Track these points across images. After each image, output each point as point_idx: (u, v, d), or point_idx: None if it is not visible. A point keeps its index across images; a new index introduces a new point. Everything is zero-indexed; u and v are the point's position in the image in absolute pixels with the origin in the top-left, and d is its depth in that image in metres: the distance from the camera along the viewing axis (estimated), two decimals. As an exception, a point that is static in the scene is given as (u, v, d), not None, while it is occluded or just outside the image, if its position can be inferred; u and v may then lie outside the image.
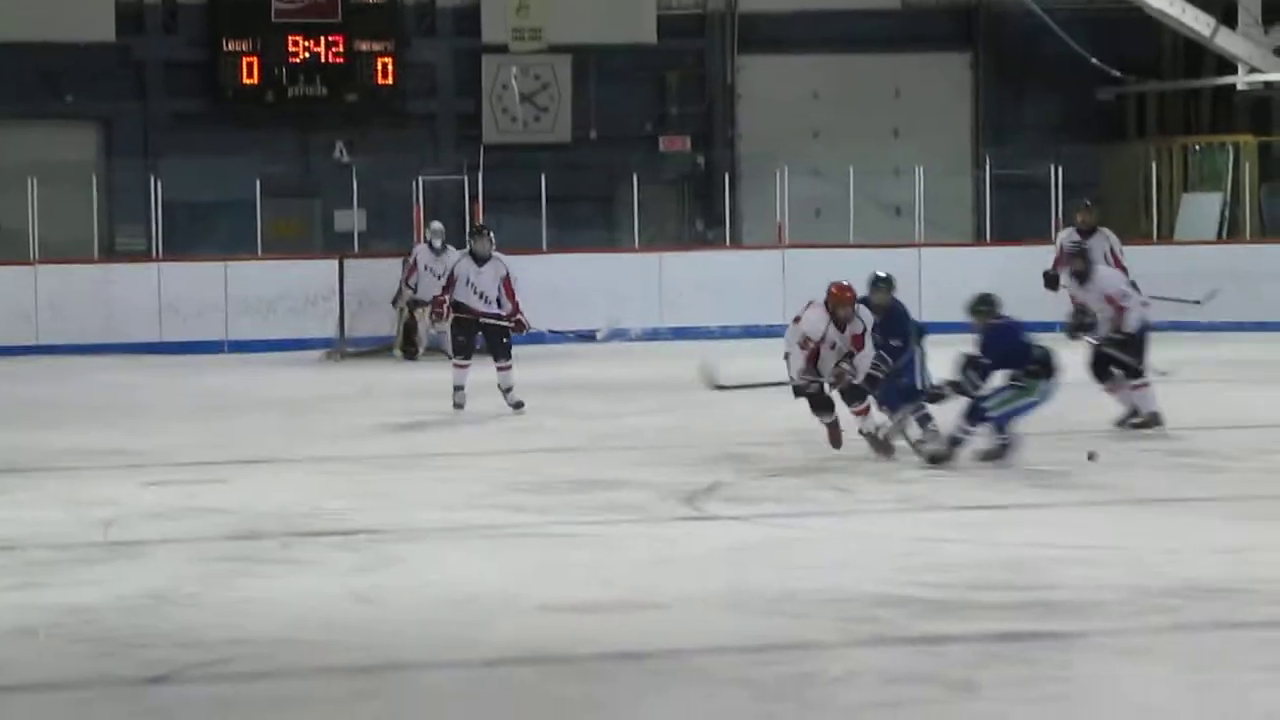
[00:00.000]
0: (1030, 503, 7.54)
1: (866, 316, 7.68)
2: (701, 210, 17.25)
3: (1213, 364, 12.75)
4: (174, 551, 6.04)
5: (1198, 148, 17.99)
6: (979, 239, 16.57)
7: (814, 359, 7.78)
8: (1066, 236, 10.95)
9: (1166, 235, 16.88)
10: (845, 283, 7.88)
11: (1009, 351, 7.80)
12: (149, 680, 4.22)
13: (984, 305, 7.94)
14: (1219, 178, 17.49)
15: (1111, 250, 10.83)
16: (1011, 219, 15.55)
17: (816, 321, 7.84)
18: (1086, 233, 10.87)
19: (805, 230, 15.87)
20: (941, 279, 13.16)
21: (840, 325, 7.68)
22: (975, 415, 7.61)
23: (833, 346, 7.84)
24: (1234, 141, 17.71)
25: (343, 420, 10.76)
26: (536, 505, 7.24)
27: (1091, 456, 6.98)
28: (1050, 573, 5.86)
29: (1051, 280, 10.45)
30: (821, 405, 7.90)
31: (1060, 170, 15.93)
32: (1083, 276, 9.45)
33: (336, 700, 4.24)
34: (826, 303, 7.71)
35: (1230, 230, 17.04)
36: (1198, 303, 11.95)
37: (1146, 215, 17.04)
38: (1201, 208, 17.37)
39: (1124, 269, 10.61)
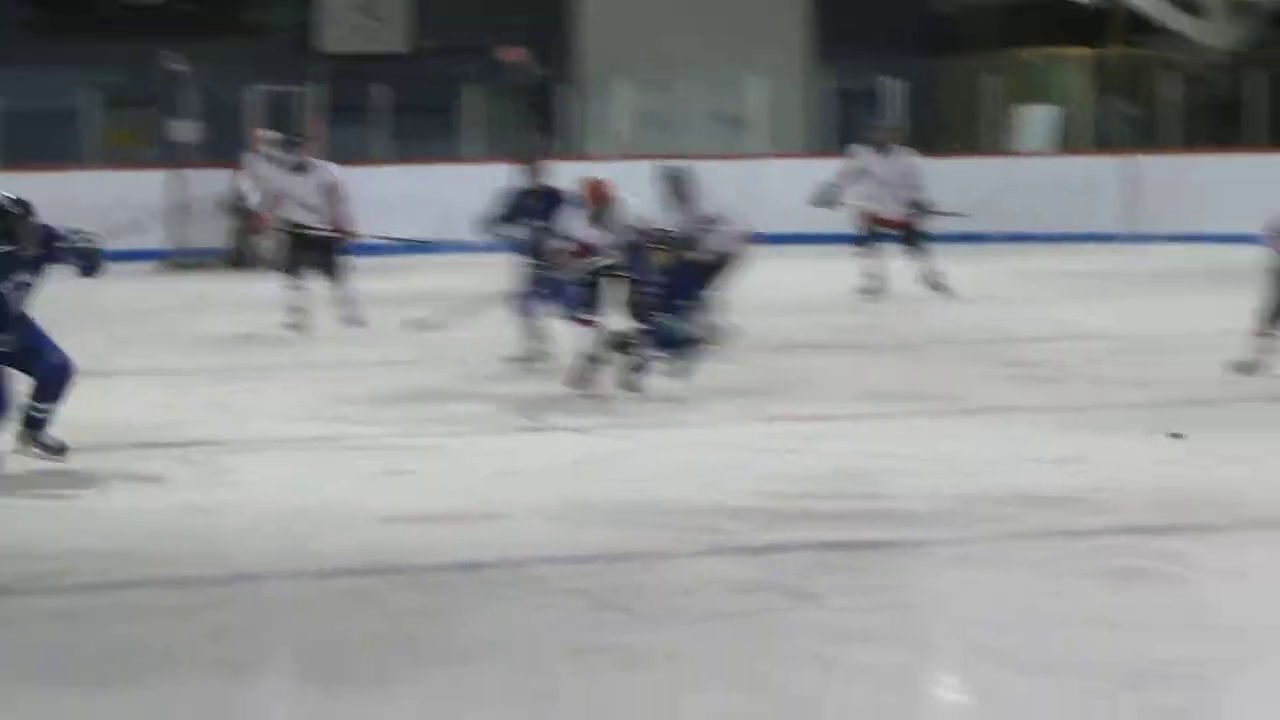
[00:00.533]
0: (864, 413, 7.68)
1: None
2: (541, 122, 17.42)
3: (1045, 276, 13.26)
4: (6, 465, 5.97)
5: (1034, 61, 18.51)
6: (816, 151, 16.75)
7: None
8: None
9: (1000, 148, 17.47)
10: (596, 179, 7.97)
11: (690, 284, 8.00)
12: (-11, 592, 4.46)
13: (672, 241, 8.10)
14: (1054, 91, 18.09)
15: (908, 170, 11.42)
16: (849, 131, 15.28)
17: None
18: (885, 151, 11.42)
19: (645, 142, 16.08)
20: (780, 191, 13.59)
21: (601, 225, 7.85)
22: (658, 340, 7.68)
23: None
24: (1070, 55, 18.37)
25: (176, 332, 10.69)
26: (374, 418, 7.28)
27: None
28: (884, 482, 6.05)
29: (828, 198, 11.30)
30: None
31: (899, 85, 16.44)
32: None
33: (179, 610, 4.34)
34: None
35: (1067, 144, 17.58)
36: (962, 215, 12.28)
37: (979, 130, 17.77)
38: (1036, 121, 17.78)
39: (919, 187, 11.38)
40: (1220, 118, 17.18)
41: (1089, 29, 18.37)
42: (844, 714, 3.56)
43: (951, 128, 17.87)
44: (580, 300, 7.97)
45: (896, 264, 11.70)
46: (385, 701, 3.56)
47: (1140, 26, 17.94)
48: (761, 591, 4.66)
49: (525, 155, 9.86)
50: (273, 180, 11.18)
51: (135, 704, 3.49)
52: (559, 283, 8.17)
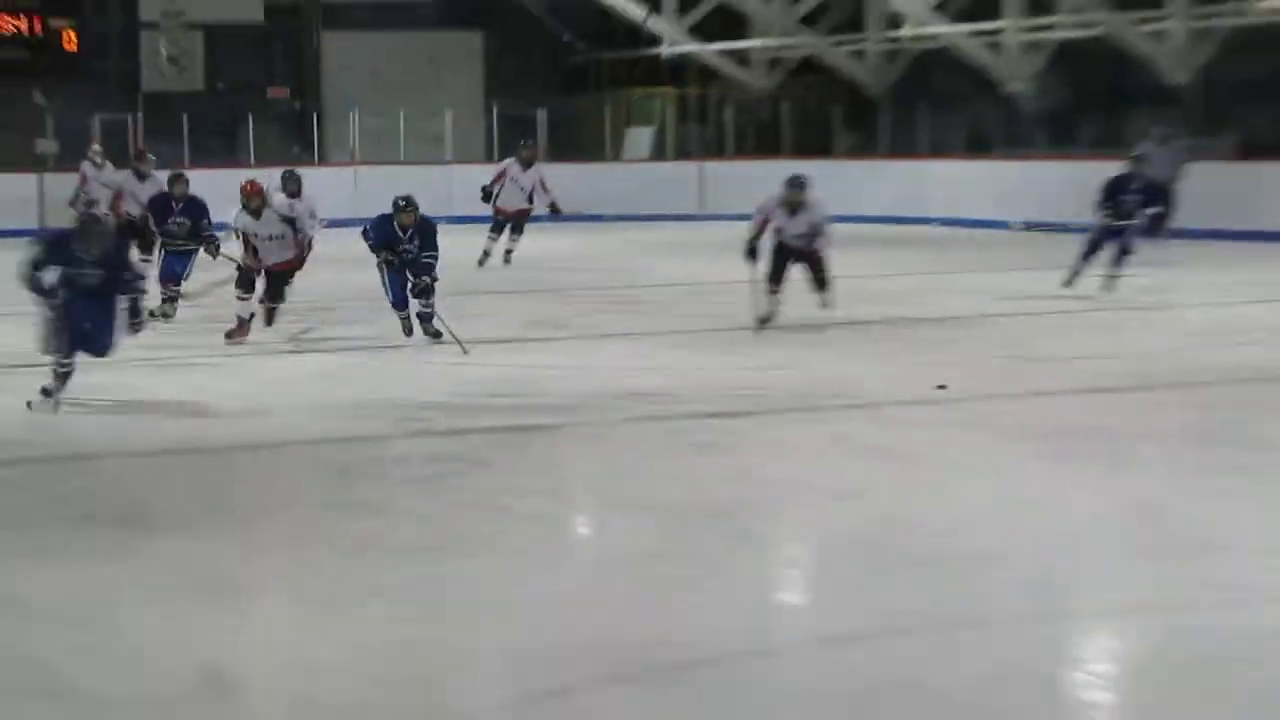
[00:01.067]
0: (527, 337, 8.58)
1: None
2: (299, 139, 20.43)
3: (644, 244, 15.20)
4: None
5: (638, 97, 22.11)
6: (490, 161, 17.21)
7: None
8: (510, 164, 12.88)
9: (616, 157, 20.92)
10: (250, 181, 8.79)
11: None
12: None
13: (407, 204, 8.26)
14: (651, 117, 21.76)
15: (541, 179, 12.72)
16: (512, 148, 16.28)
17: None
18: (526, 164, 12.71)
19: (372, 154, 19.19)
20: (468, 190, 14.36)
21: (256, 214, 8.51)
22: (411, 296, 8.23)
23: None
24: (661, 92, 21.92)
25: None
26: (177, 343, 8.13)
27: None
28: (539, 385, 6.80)
29: (487, 195, 12.72)
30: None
31: (546, 113, 19.90)
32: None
33: (31, 485, 5.09)
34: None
35: (660, 154, 21.09)
36: (584, 211, 14.38)
37: (602, 145, 21.21)
38: (640, 139, 21.36)
39: (547, 188, 12.69)
40: (762, 135, 20.57)
41: (675, 75, 21.88)
42: (512, 546, 4.17)
43: (582, 144, 21.08)
44: (172, 272, 9.08)
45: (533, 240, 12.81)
46: (194, 541, 4.11)
47: (708, 73, 21.33)
48: (454, 461, 5.28)
49: (174, 166, 11.54)
50: (113, 182, 12.03)
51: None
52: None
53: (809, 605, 4.01)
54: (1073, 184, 12.87)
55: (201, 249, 9.34)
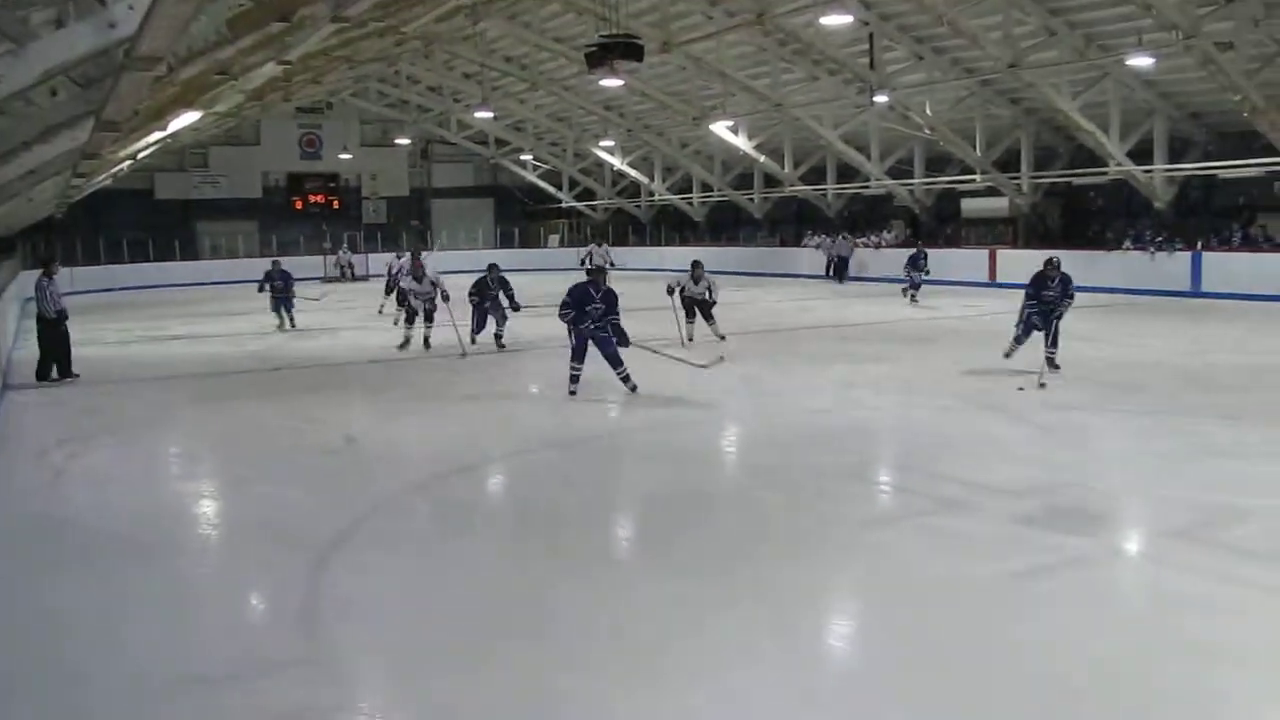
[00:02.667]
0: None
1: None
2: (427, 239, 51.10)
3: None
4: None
5: (552, 221, 54.48)
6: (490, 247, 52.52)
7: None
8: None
9: (544, 246, 54.00)
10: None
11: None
12: None
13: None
14: (559, 230, 55.38)
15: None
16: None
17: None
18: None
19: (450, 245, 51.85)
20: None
21: None
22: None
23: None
24: (562, 221, 55.57)
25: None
26: None
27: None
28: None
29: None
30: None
31: (518, 230, 53.07)
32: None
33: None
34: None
35: (562, 245, 54.73)
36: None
37: (539, 242, 54.13)
38: (554, 240, 54.10)
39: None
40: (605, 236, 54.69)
41: (568, 213, 53.40)
42: (524, 398, 13.22)
43: (529, 243, 54.10)
44: None
45: None
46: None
47: (577, 212, 54.84)
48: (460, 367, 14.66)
49: None
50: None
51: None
52: None
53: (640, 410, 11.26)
54: None
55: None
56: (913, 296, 25.16)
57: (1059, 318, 13.49)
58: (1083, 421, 10.31)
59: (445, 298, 16.52)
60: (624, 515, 8.12)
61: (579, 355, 12.62)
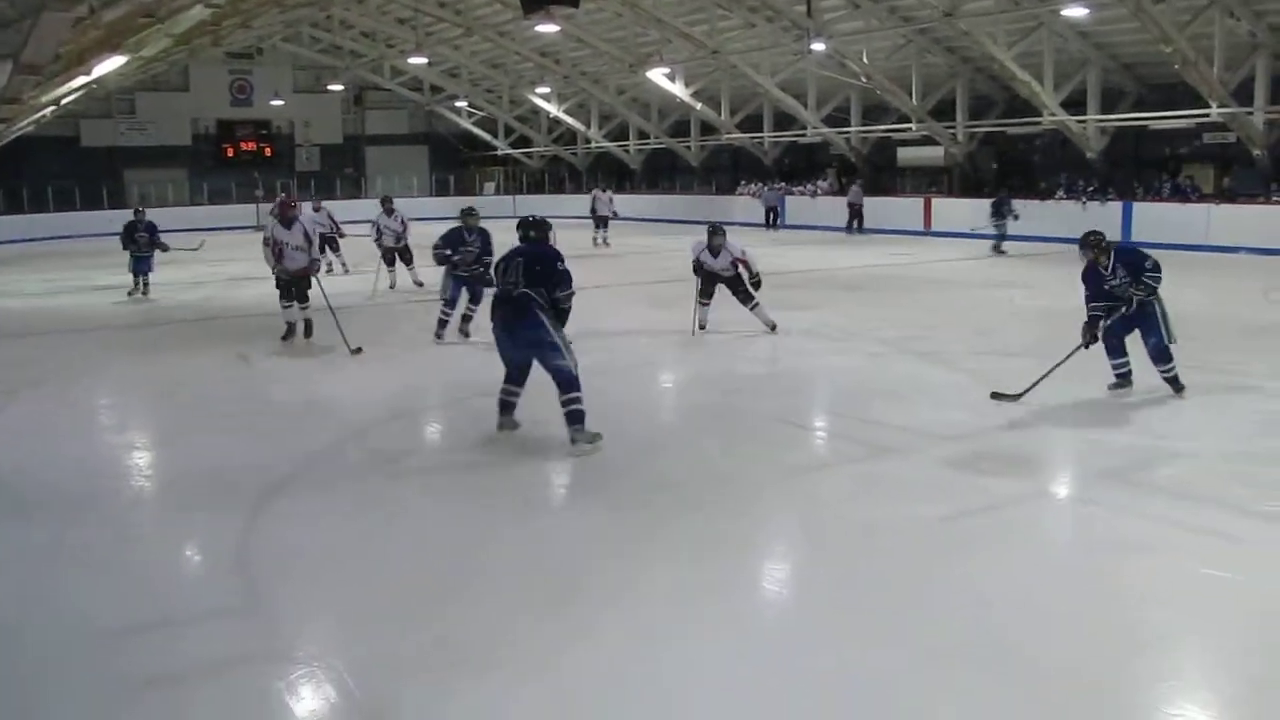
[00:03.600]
0: None
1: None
2: (355, 189, 50.99)
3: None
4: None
5: (488, 168, 54.70)
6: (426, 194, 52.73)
7: None
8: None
9: (479, 193, 52.19)
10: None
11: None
12: None
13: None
14: (495, 178, 54.51)
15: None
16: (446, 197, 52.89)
17: None
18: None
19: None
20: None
21: None
22: None
23: None
24: (498, 168, 55.11)
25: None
26: None
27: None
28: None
29: None
30: None
31: (453, 178, 53.05)
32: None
33: None
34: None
35: (497, 192, 53.61)
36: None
37: (475, 190, 53.97)
38: (490, 187, 54.67)
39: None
40: (534, 185, 54.16)
41: (505, 160, 54.64)
42: (474, 366, 11.36)
43: (466, 189, 54.19)
44: None
45: None
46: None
47: (514, 159, 54.25)
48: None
49: None
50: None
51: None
52: None
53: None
54: None
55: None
56: (998, 247, 24.23)
57: (1149, 313, 9.35)
58: (1016, 367, 10.44)
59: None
60: (558, 461, 8.13)
61: (452, 302, 13.11)
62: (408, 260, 18.84)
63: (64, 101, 25.98)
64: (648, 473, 7.55)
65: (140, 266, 19.12)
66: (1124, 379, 9.70)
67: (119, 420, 10.55)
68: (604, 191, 30.45)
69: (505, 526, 6.51)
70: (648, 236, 30.96)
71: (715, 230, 12.98)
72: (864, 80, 31.01)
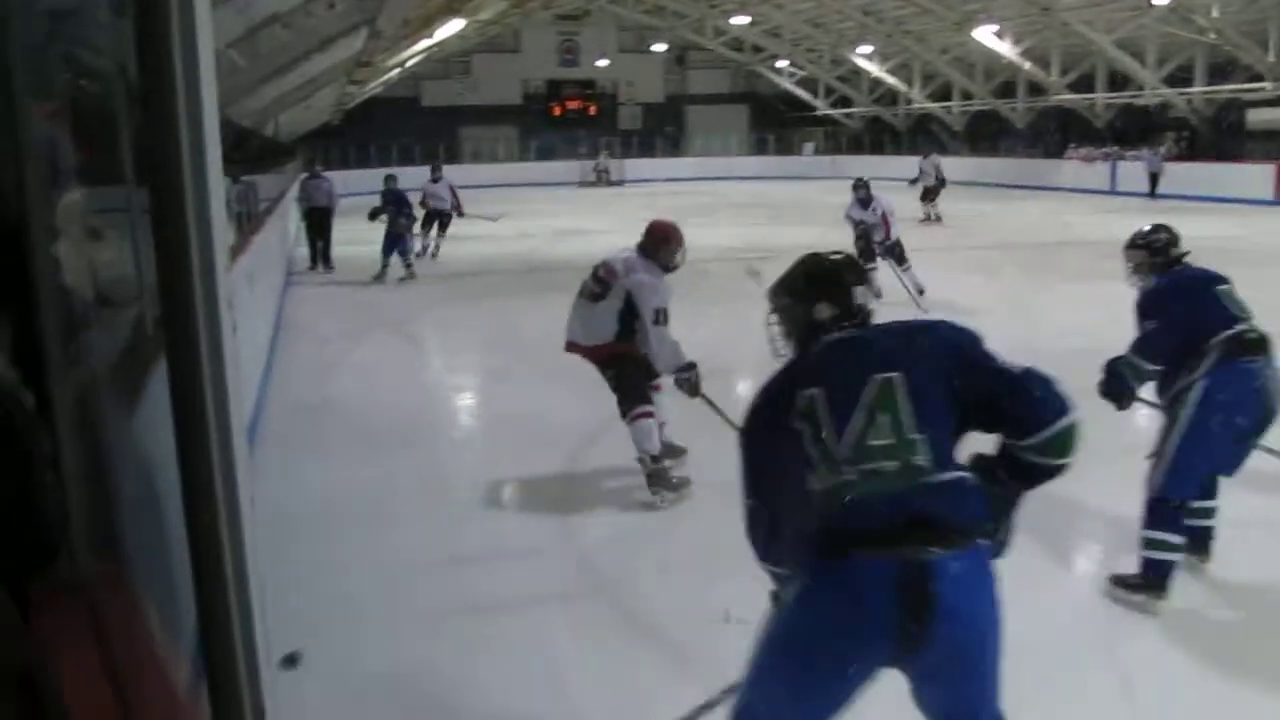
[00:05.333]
0: None
1: None
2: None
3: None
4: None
5: (809, 128, 55.15)
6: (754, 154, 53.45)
7: None
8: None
9: (799, 154, 53.88)
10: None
11: None
12: None
13: None
14: (814, 138, 53.77)
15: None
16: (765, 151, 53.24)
17: None
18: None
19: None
20: None
21: None
22: None
23: None
24: (819, 129, 55.17)
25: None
26: None
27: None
28: None
29: None
30: None
31: (773, 138, 53.23)
32: None
33: None
34: None
35: (816, 153, 54.42)
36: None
37: (794, 149, 54.45)
38: (809, 148, 54.52)
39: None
40: (855, 145, 53.72)
41: (825, 120, 51.69)
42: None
43: (788, 149, 52.69)
44: None
45: None
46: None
47: (834, 120, 54.17)
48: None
49: None
50: None
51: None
52: None
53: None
54: None
55: None
56: None
57: None
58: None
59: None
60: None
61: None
62: (443, 228, 18.77)
63: (408, 64, 27.44)
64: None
65: (398, 245, 15.92)
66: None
67: (449, 361, 11.33)
68: (926, 158, 25.03)
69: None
70: (976, 202, 29.40)
71: (860, 184, 12.78)
72: (1212, 36, 28.96)
